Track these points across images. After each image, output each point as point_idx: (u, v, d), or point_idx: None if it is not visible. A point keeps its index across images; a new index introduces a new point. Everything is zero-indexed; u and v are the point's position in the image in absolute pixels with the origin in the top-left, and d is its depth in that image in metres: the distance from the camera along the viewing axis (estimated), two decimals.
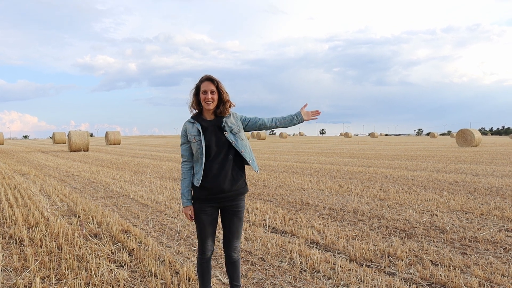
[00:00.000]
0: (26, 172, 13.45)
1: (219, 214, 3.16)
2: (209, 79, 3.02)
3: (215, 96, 3.01)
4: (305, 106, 3.25)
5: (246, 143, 3.12)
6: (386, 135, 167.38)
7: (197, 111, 3.12)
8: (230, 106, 3.10)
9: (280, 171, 13.22)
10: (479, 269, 4.01)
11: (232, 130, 3.05)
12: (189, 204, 3.06)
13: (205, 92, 2.98)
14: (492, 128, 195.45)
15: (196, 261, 3.29)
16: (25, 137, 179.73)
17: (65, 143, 46.85)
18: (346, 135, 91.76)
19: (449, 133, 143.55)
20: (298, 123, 3.26)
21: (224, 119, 3.05)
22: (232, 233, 3.14)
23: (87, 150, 28.46)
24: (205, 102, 2.99)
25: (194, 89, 3.07)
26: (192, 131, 3.01)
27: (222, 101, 3.05)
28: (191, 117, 3.11)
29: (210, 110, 3.05)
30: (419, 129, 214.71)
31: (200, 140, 2.98)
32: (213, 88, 2.99)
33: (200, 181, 2.97)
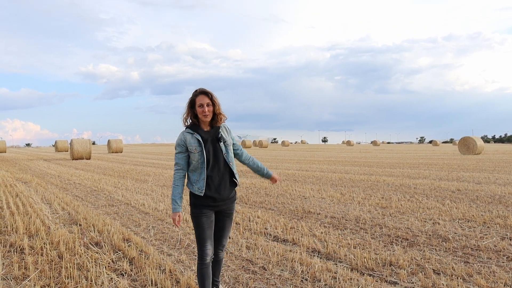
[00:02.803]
0: (28, 180, 13.47)
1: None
2: (203, 92, 3.17)
3: (211, 108, 3.17)
4: (277, 179, 3.62)
5: (232, 156, 3.34)
6: (388, 143, 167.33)
7: (191, 122, 3.25)
8: (221, 119, 3.27)
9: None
10: (482, 278, 3.98)
11: (225, 142, 3.25)
12: (180, 210, 3.19)
13: (202, 106, 3.14)
14: (494, 136, 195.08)
15: (196, 268, 3.39)
16: (28, 145, 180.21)
17: (67, 151, 46.95)
18: (348, 143, 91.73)
19: (451, 141, 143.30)
20: (264, 177, 3.55)
21: (220, 130, 3.24)
22: (223, 232, 3.38)
23: (89, 158, 28.51)
24: (203, 115, 3.14)
25: (189, 103, 3.22)
26: (192, 141, 3.15)
27: (215, 113, 3.22)
28: (189, 128, 3.23)
29: (207, 122, 3.22)
30: (422, 137, 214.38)
31: (202, 151, 3.13)
32: (208, 101, 3.16)
33: (204, 191, 3.12)
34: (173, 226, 6.48)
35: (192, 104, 3.19)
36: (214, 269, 3.45)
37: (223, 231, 3.37)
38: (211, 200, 3.16)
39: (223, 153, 3.20)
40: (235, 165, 3.33)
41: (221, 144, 3.20)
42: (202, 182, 3.12)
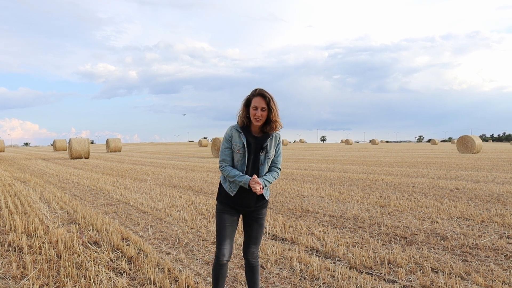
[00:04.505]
0: (26, 180, 13.44)
1: (241, 219, 3.24)
2: (261, 95, 2.95)
3: (265, 114, 2.96)
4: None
5: (267, 170, 3.14)
6: (387, 142, 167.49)
7: (244, 121, 3.06)
8: (276, 127, 3.04)
9: (280, 178, 13.20)
10: (480, 277, 3.99)
11: (268, 153, 3.05)
12: (249, 177, 2.95)
13: (256, 108, 2.94)
14: (492, 134, 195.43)
15: (212, 266, 3.30)
16: (26, 144, 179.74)
17: (66, 150, 46.90)
18: (347, 142, 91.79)
19: (450, 139, 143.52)
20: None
21: (268, 140, 3.04)
22: (250, 238, 3.20)
23: (87, 158, 28.48)
24: (255, 118, 2.96)
25: (245, 101, 3.03)
26: (238, 141, 3.01)
27: (270, 120, 2.99)
28: (239, 126, 3.06)
29: (257, 126, 3.03)
30: (420, 136, 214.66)
31: (244, 153, 3.00)
32: (264, 105, 2.94)
33: (235, 193, 3.02)
34: (171, 225, 6.48)
35: (247, 103, 3.01)
36: (249, 278, 3.26)
37: (249, 237, 3.20)
38: (235, 203, 3.06)
39: (260, 163, 3.04)
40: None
41: (262, 153, 3.03)
42: (236, 184, 3.02)
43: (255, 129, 3.06)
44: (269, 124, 3.01)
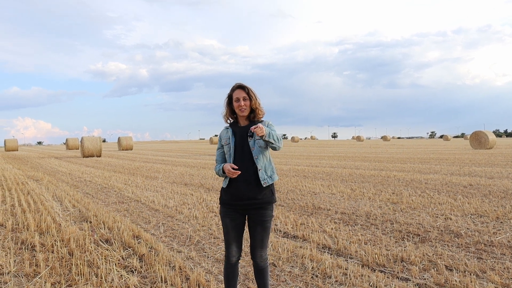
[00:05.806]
0: (39, 178, 13.59)
1: (246, 220, 3.18)
2: (240, 86, 3.10)
3: (248, 103, 3.07)
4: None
5: (265, 152, 3.07)
6: (398, 138, 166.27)
7: (232, 120, 3.21)
8: (259, 114, 3.13)
9: (291, 175, 13.16)
10: (496, 274, 3.91)
11: (256, 138, 3.04)
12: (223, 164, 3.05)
13: (238, 100, 3.07)
14: (506, 130, 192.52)
15: (223, 266, 3.29)
16: (39, 143, 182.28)
17: (78, 149, 47.35)
18: (358, 138, 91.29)
19: (462, 135, 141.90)
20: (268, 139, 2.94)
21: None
22: (255, 242, 3.14)
23: (99, 156, 28.72)
24: (239, 109, 3.07)
25: (227, 99, 3.16)
26: (226, 135, 3.15)
27: (252, 108, 3.10)
28: (229, 124, 3.21)
29: (244, 116, 3.13)
30: (432, 132, 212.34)
31: (230, 143, 3.08)
32: (245, 95, 3.06)
33: (227, 183, 3.05)
34: (182, 223, 6.48)
35: (229, 99, 3.14)
36: (258, 280, 3.24)
37: (254, 241, 3.13)
38: (231, 197, 3.03)
39: (251, 148, 3.03)
40: (269, 163, 3.11)
41: (250, 138, 3.02)
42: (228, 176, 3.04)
43: (242, 120, 3.16)
44: (252, 113, 3.13)
